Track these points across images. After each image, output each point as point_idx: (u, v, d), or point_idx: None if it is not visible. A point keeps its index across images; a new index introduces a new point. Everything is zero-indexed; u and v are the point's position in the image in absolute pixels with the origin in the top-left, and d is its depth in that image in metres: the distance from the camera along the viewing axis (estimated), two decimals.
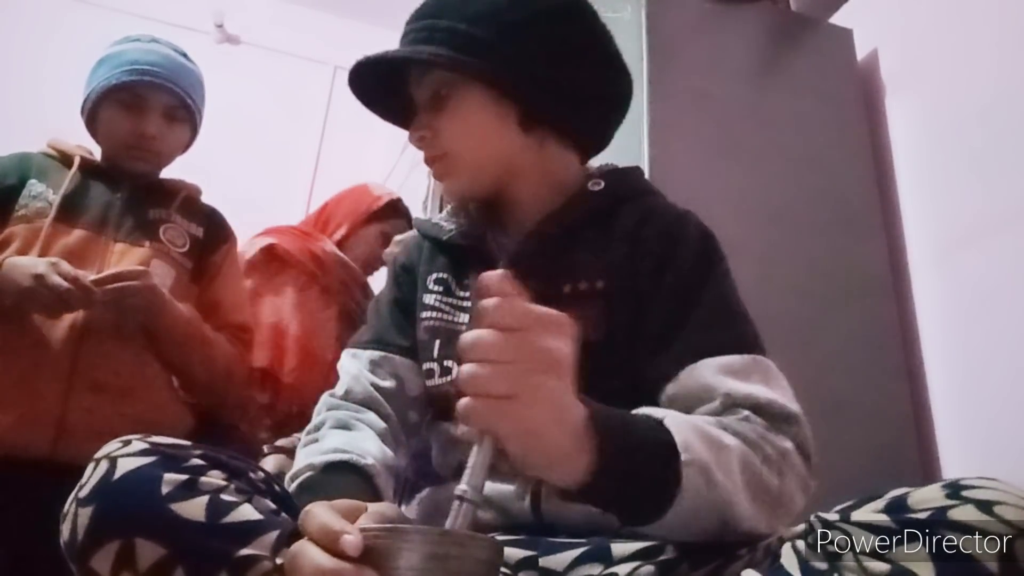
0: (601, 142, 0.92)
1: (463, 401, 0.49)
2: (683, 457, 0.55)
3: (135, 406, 1.23)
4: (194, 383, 1.35)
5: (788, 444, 0.65)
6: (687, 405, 0.68)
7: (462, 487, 0.50)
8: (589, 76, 0.84)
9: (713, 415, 0.66)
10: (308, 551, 0.50)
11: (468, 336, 0.51)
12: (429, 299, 0.85)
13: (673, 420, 0.58)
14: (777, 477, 0.63)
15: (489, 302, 0.51)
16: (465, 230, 0.87)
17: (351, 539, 0.48)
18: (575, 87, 0.83)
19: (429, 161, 0.86)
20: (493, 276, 0.51)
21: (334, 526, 0.50)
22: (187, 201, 1.44)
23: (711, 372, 0.69)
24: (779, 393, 0.69)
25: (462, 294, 0.84)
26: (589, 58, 0.84)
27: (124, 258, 1.29)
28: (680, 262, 0.77)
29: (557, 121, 0.85)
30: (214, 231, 1.46)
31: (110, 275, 1.19)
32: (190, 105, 1.40)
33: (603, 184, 0.85)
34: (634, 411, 0.60)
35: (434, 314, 0.84)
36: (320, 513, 0.52)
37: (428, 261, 0.89)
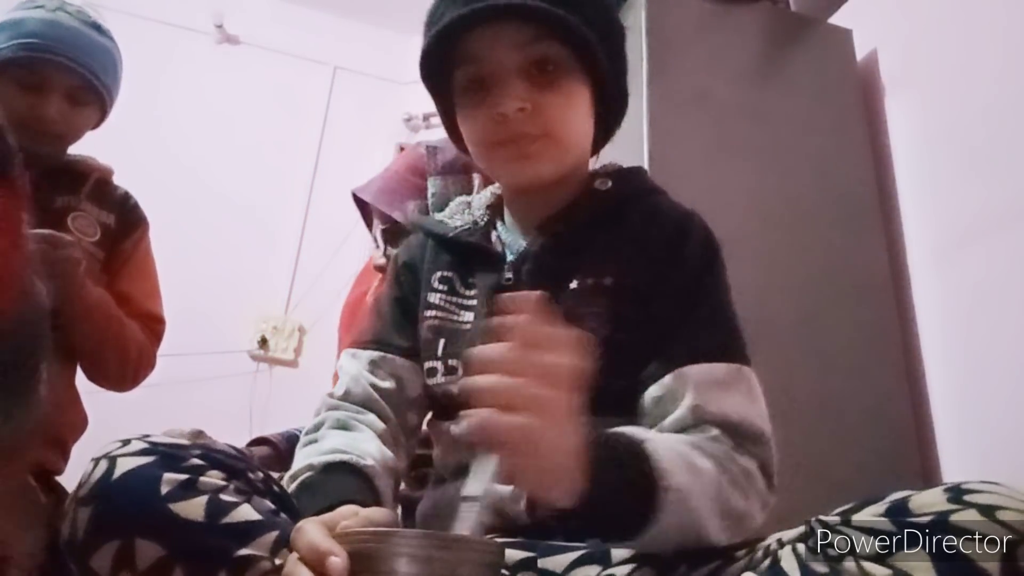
0: (609, 139, 0.92)
1: (476, 415, 0.49)
2: (663, 484, 0.58)
3: None
4: (105, 369, 1.27)
5: (752, 465, 0.66)
6: (665, 409, 0.70)
7: (472, 491, 0.51)
8: (626, 84, 0.88)
9: (682, 424, 0.68)
10: (297, 572, 0.51)
11: (489, 350, 0.51)
12: (433, 298, 0.85)
13: (654, 445, 0.60)
14: (743, 498, 0.64)
15: (514, 319, 0.51)
16: (470, 228, 0.87)
17: (336, 561, 0.49)
18: (625, 94, 0.87)
19: (516, 137, 0.78)
20: (522, 296, 0.52)
21: (321, 547, 0.50)
22: (98, 185, 1.31)
23: (693, 380, 0.69)
24: (755, 411, 0.70)
25: (467, 292, 0.84)
26: (628, 68, 0.88)
27: None
28: (683, 265, 0.77)
29: (609, 125, 0.88)
30: (125, 218, 1.34)
31: (44, 234, 1.08)
32: (96, 87, 1.26)
33: (610, 183, 0.85)
34: (615, 430, 0.61)
35: (438, 313, 0.84)
36: (309, 531, 0.53)
37: (432, 259, 0.89)
